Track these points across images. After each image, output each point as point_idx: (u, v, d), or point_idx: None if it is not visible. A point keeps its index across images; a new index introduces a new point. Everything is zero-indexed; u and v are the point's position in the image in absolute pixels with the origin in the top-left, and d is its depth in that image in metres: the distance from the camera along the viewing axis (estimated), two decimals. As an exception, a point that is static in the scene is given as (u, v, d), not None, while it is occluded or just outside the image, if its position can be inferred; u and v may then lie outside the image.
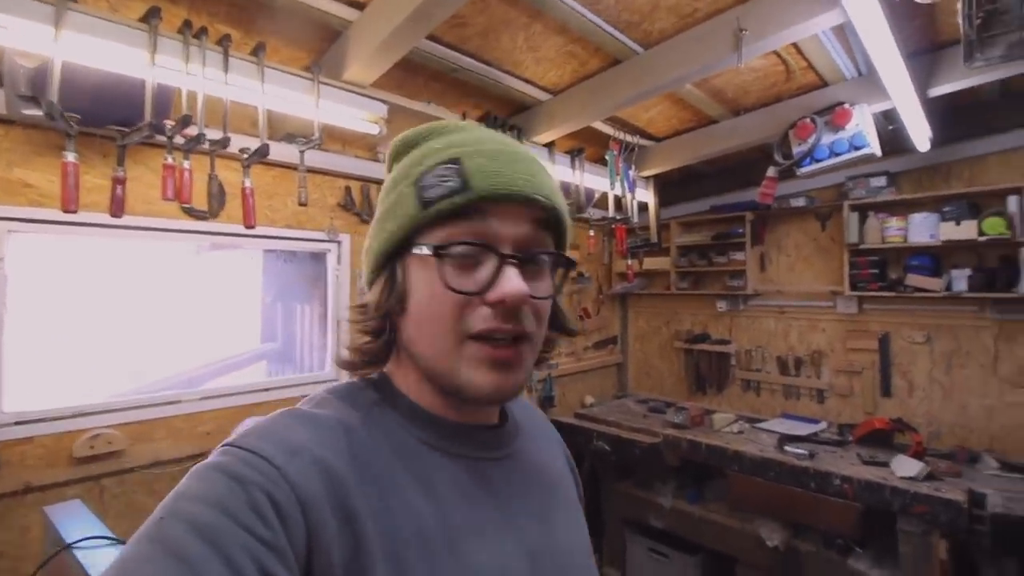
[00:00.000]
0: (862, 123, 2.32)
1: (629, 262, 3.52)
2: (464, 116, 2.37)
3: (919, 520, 2.10)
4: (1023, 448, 2.48)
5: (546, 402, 3.35)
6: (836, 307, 3.12)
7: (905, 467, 2.27)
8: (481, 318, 0.49)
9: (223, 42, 1.57)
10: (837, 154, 2.40)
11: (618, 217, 3.00)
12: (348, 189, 2.37)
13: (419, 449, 0.52)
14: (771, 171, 2.72)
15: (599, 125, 2.75)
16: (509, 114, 2.58)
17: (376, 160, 2.41)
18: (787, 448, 2.59)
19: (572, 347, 3.65)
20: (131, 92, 1.46)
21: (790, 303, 3.34)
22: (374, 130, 1.98)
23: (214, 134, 1.59)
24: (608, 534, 3.18)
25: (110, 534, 1.10)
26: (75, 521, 1.16)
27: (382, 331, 0.55)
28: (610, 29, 1.98)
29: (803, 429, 2.87)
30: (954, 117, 2.53)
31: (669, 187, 3.52)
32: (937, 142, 2.55)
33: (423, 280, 0.51)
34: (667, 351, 3.95)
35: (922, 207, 2.71)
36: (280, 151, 1.88)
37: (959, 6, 1.37)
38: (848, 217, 2.88)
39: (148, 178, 1.76)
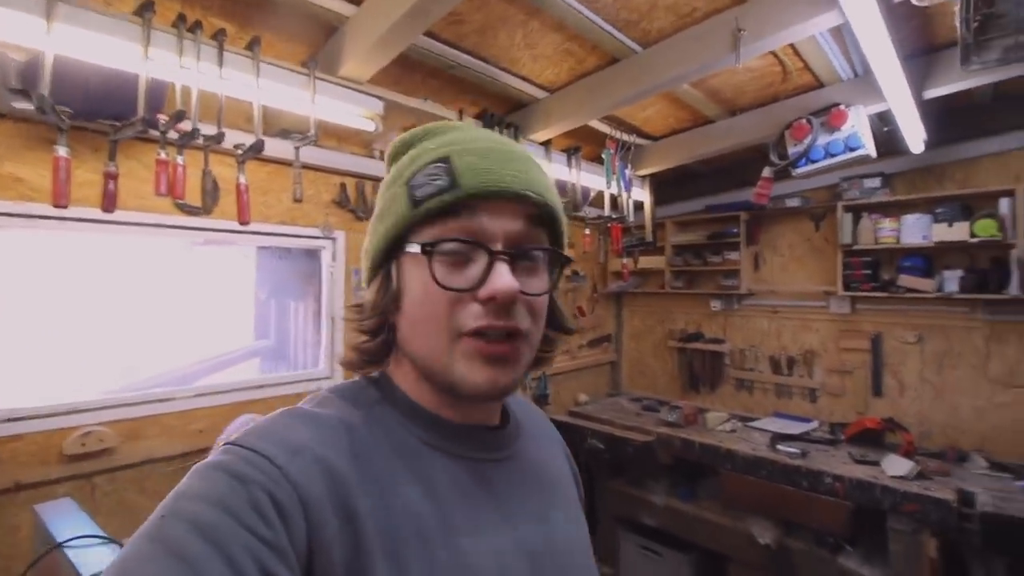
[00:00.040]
0: (858, 124, 2.33)
1: (624, 261, 3.52)
2: (461, 113, 2.35)
3: (909, 519, 2.13)
4: (1013, 448, 2.51)
5: (540, 400, 3.35)
6: (829, 307, 3.14)
7: (895, 466, 2.29)
8: (473, 315, 0.49)
9: (218, 36, 1.55)
10: (832, 155, 2.41)
11: (614, 216, 3.00)
12: (343, 186, 2.35)
13: (420, 449, 0.52)
14: (767, 171, 2.73)
15: (596, 124, 2.74)
16: (506, 112, 2.58)
17: (372, 157, 2.40)
18: (779, 447, 2.61)
19: (567, 345, 3.64)
20: (124, 86, 1.44)
21: (783, 303, 3.35)
22: (370, 127, 1.97)
23: (208, 129, 1.57)
24: (601, 532, 3.19)
25: (101, 532, 1.09)
26: (66, 519, 1.16)
27: (379, 330, 0.55)
28: (608, 27, 1.97)
29: (795, 428, 2.90)
30: (948, 119, 2.55)
31: (665, 186, 3.53)
32: (931, 144, 2.58)
33: (416, 278, 0.51)
34: (661, 350, 3.96)
35: (915, 208, 2.73)
36: (275, 147, 1.86)
37: (956, 9, 1.38)
38: (842, 218, 2.89)
39: (141, 173, 1.74)
